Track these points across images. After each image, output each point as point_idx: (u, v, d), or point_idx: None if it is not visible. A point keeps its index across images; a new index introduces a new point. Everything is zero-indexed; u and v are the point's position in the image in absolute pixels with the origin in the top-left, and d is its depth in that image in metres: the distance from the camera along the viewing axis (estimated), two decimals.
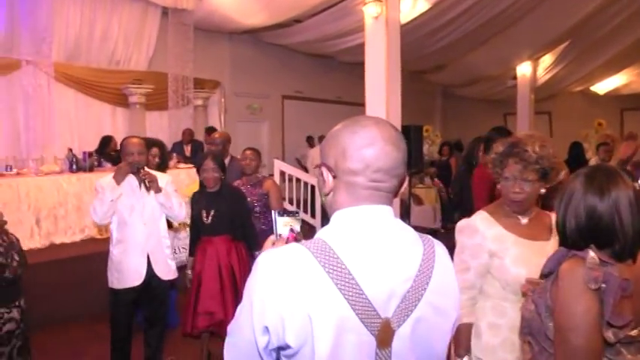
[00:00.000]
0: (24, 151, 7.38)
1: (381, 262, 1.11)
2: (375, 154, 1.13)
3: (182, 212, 3.70)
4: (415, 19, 8.33)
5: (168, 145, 7.96)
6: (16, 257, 2.44)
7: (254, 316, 1.09)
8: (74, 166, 6.45)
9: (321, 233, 1.16)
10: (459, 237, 2.21)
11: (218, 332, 3.73)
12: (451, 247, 1.34)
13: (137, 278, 3.54)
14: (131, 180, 3.56)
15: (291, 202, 8.11)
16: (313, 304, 1.05)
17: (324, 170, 1.20)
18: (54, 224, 6.07)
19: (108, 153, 7.25)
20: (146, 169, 3.58)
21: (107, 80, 8.81)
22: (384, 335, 1.10)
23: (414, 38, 8.84)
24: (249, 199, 4.29)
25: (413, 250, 1.17)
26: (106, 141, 7.55)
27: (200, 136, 9.44)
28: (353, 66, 9.63)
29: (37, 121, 7.70)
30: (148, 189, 3.52)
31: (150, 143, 4.68)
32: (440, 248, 1.25)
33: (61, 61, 8.16)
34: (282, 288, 1.06)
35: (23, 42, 7.67)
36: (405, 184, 1.23)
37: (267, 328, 1.07)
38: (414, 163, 7.31)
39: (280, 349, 1.10)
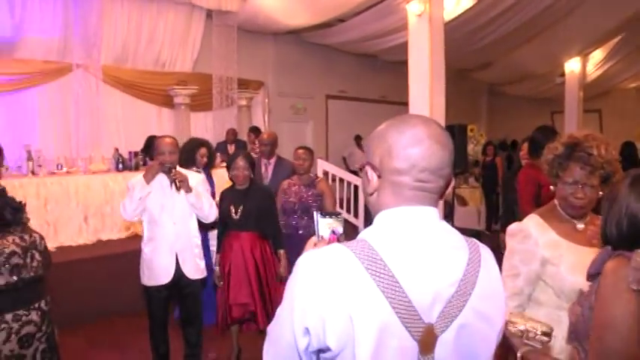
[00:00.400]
0: (74, 150, 7.62)
1: (425, 265, 1.08)
2: (421, 154, 1.11)
3: (212, 212, 3.72)
4: (460, 15, 8.18)
5: (213, 145, 8.06)
6: (38, 257, 2.31)
7: (294, 317, 1.07)
8: (120, 165, 6.64)
9: (364, 234, 1.14)
10: (510, 241, 2.10)
11: (253, 322, 3.86)
12: (494, 250, 1.30)
13: (166, 276, 3.59)
14: (162, 179, 3.60)
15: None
16: (355, 305, 1.03)
17: (369, 169, 1.18)
18: (101, 221, 6.27)
19: (152, 152, 7.39)
20: (177, 168, 3.61)
21: (153, 82, 8.99)
22: (427, 341, 1.07)
23: (458, 35, 8.68)
24: (302, 198, 4.35)
25: (458, 253, 1.14)
26: (151, 141, 7.68)
27: (244, 135, 9.52)
28: (397, 65, 9.53)
29: (86, 123, 7.95)
30: (178, 189, 3.54)
31: (198, 143, 4.81)
32: (486, 252, 1.21)
33: (109, 64, 8.40)
34: (323, 289, 1.05)
35: (75, 47, 7.96)
36: (452, 185, 1.20)
37: (307, 329, 1.06)
38: (458, 164, 7.23)
39: (320, 351, 1.08)
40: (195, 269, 3.71)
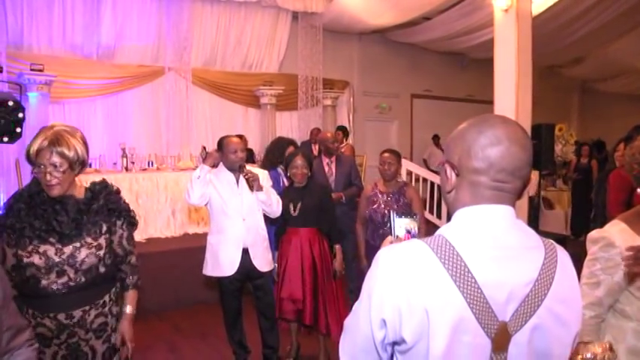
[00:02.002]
0: (164, 148, 8.07)
1: (501, 262, 1.09)
2: (499, 154, 1.11)
3: (279, 208, 3.79)
4: (549, 8, 7.84)
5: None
6: (71, 274, 2.13)
7: (372, 309, 1.11)
8: None
9: (442, 230, 1.16)
10: (591, 247, 1.91)
11: (302, 321, 3.90)
12: (580, 257, 1.26)
13: (230, 269, 3.69)
14: (229, 177, 3.71)
15: None
16: (431, 299, 1.05)
17: (448, 168, 1.19)
18: (187, 216, 6.59)
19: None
20: (247, 167, 3.69)
21: (240, 83, 9.32)
22: (501, 339, 1.08)
23: (547, 30, 8.34)
24: (390, 207, 3.98)
25: (534, 253, 1.14)
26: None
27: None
28: (484, 62, 9.26)
29: (176, 122, 8.42)
30: (251, 187, 3.63)
31: (287, 142, 4.97)
32: (563, 254, 1.19)
33: (198, 66, 8.83)
34: (401, 281, 1.08)
35: (167, 52, 8.50)
36: (533, 185, 1.18)
37: (384, 321, 1.09)
38: (545, 164, 6.92)
39: (395, 344, 1.12)
40: (265, 262, 3.81)
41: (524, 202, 6.46)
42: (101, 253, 2.20)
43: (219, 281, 3.83)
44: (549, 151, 6.86)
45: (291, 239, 3.94)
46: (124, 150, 6.52)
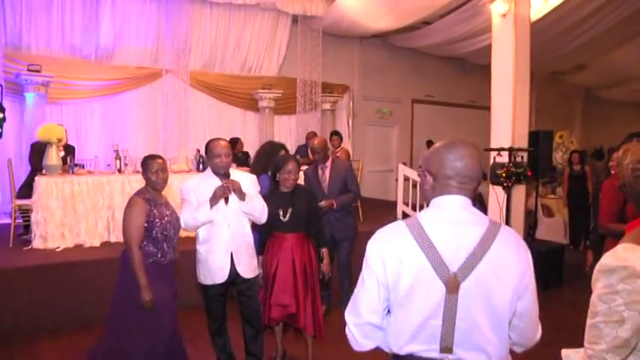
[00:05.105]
0: (161, 151, 7.99)
1: (452, 230, 1.61)
2: (463, 166, 1.65)
3: (264, 215, 3.73)
4: (549, 14, 7.79)
5: (293, 148, 8.22)
6: None
7: (373, 260, 1.66)
8: (201, 166, 6.86)
9: (419, 213, 1.73)
10: (607, 278, 1.55)
11: (291, 324, 3.88)
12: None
13: (221, 276, 3.65)
14: (215, 182, 3.62)
15: (414, 208, 7.93)
16: (402, 252, 1.61)
17: (427, 174, 1.72)
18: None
19: (234, 154, 7.59)
20: (231, 177, 3.63)
21: (239, 86, 9.34)
22: (452, 284, 1.57)
23: (549, 36, 8.27)
24: None
25: (478, 227, 1.63)
26: (233, 142, 7.93)
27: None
28: (486, 68, 9.22)
29: (173, 125, 8.46)
30: (227, 201, 3.57)
31: (279, 146, 4.92)
32: (507, 231, 1.66)
33: (197, 69, 8.86)
34: (385, 242, 1.66)
35: (166, 54, 8.55)
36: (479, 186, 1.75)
37: (379, 265, 1.64)
38: (543, 171, 6.83)
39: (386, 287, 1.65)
40: (249, 268, 3.76)
41: (520, 211, 6.38)
42: None
43: (203, 286, 3.79)
44: (547, 158, 6.78)
45: (281, 244, 3.88)
46: (117, 152, 6.50)
